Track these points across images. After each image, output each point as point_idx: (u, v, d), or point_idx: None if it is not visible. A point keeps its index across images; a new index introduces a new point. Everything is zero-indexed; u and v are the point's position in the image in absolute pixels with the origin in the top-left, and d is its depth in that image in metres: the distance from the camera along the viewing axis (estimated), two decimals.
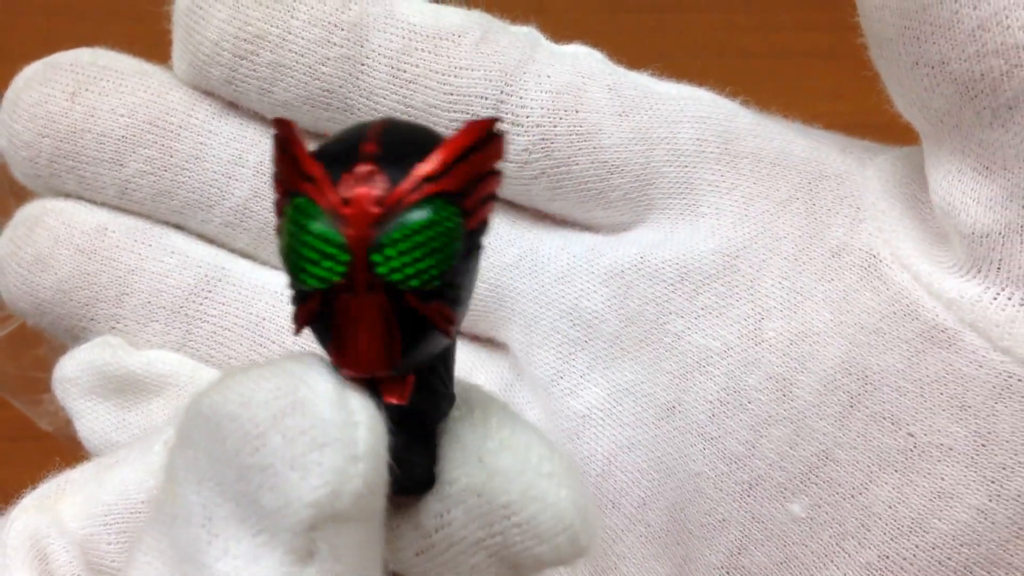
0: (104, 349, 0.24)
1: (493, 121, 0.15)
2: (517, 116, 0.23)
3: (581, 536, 0.16)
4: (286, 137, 0.15)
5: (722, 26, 0.48)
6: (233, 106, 0.25)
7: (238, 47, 0.23)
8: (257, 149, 0.24)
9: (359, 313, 0.14)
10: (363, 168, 0.14)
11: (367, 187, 0.14)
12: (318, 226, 0.14)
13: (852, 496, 0.21)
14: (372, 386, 0.15)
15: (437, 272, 0.14)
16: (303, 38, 0.23)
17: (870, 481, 0.21)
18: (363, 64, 0.23)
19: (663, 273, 0.23)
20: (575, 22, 0.47)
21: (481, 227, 0.15)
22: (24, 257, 0.25)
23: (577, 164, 0.23)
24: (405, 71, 0.23)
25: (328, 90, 0.23)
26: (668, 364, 0.23)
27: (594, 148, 0.23)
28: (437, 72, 0.23)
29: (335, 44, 0.23)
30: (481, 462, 0.16)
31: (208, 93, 0.25)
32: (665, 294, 0.23)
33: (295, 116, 0.24)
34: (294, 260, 0.14)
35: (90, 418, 0.24)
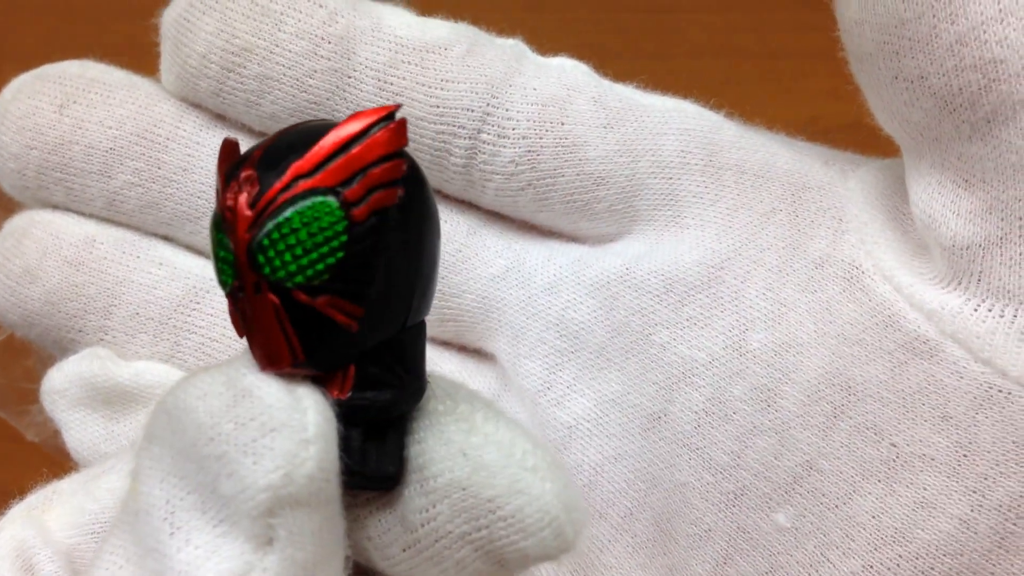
0: (92, 361, 0.24)
1: (384, 110, 0.15)
2: (503, 128, 0.23)
3: (567, 529, 0.16)
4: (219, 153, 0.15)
5: (719, 26, 0.48)
6: (221, 118, 0.25)
7: (226, 59, 0.23)
8: None
9: (254, 313, 0.15)
10: (244, 173, 0.14)
11: (245, 191, 0.14)
12: (218, 234, 0.15)
13: (836, 506, 0.21)
14: (318, 381, 0.15)
15: (323, 266, 0.14)
16: (290, 51, 0.23)
17: (854, 491, 0.21)
18: (350, 77, 0.23)
19: (648, 284, 0.23)
20: (572, 22, 0.47)
21: (381, 215, 0.15)
22: (12, 269, 0.25)
23: (563, 176, 0.23)
24: (392, 84, 0.23)
25: (315, 103, 0.23)
26: (654, 375, 0.23)
27: (579, 160, 0.23)
28: (424, 85, 0.23)
29: (322, 57, 0.23)
30: (465, 456, 0.16)
31: (196, 105, 0.25)
32: (650, 305, 0.23)
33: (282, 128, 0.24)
34: (214, 268, 0.15)
35: (79, 430, 0.24)
